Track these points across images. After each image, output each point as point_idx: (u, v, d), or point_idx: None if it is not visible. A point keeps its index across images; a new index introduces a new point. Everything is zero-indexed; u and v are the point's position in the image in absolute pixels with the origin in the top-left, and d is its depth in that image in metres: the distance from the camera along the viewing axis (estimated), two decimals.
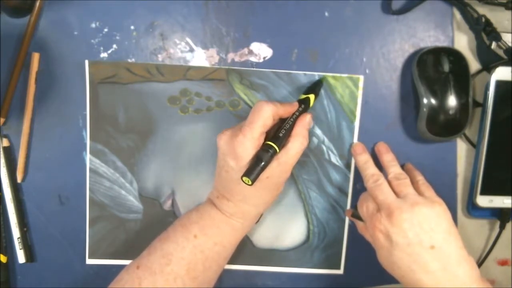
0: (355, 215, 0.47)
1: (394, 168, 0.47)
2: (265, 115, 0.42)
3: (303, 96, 0.47)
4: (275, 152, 0.42)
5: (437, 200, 0.43)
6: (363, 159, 0.48)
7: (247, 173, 0.40)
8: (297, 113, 0.45)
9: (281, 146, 0.43)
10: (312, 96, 0.47)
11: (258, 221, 0.49)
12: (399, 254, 0.41)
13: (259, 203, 0.46)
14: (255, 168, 0.41)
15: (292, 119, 0.45)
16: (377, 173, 0.46)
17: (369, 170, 0.47)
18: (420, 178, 0.47)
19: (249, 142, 0.42)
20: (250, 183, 0.40)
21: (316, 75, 0.50)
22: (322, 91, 0.50)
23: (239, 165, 0.42)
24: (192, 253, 0.44)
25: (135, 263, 0.45)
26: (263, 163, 0.41)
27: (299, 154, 0.44)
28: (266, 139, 0.43)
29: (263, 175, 0.42)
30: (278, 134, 0.43)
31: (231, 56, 0.50)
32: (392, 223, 0.41)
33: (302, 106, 0.46)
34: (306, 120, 0.45)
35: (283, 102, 0.45)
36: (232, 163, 0.43)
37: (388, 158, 0.48)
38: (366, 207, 0.44)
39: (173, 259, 0.44)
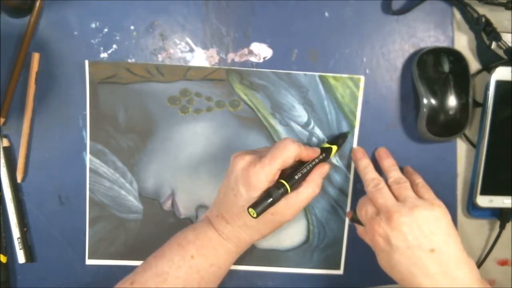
0: (355, 218, 0.47)
1: (394, 173, 0.47)
2: (288, 154, 0.43)
3: (326, 145, 0.48)
4: (286, 192, 0.43)
5: (436, 203, 0.43)
6: (363, 164, 0.48)
7: (254, 205, 0.41)
8: (316, 160, 0.46)
9: (293, 188, 0.43)
10: (334, 148, 0.48)
11: None
12: (399, 258, 0.41)
13: (256, 234, 0.46)
14: (263, 202, 0.41)
15: (310, 165, 0.45)
16: (378, 177, 0.46)
17: (369, 174, 0.47)
18: (419, 181, 0.46)
19: (264, 175, 0.42)
20: (255, 215, 0.41)
21: (317, 75, 0.50)
22: (323, 91, 0.50)
23: (249, 194, 0.43)
24: (188, 273, 0.44)
25: (129, 279, 0.45)
26: (271, 199, 0.41)
27: (308, 200, 0.45)
28: (280, 176, 0.44)
29: (269, 210, 0.42)
30: (294, 175, 0.44)
31: (231, 56, 0.50)
32: (391, 226, 0.41)
33: (323, 154, 0.47)
34: (324, 169, 0.46)
35: (307, 145, 0.46)
36: (243, 190, 0.43)
37: (389, 163, 0.48)
38: (365, 211, 0.44)
39: (169, 278, 0.44)
